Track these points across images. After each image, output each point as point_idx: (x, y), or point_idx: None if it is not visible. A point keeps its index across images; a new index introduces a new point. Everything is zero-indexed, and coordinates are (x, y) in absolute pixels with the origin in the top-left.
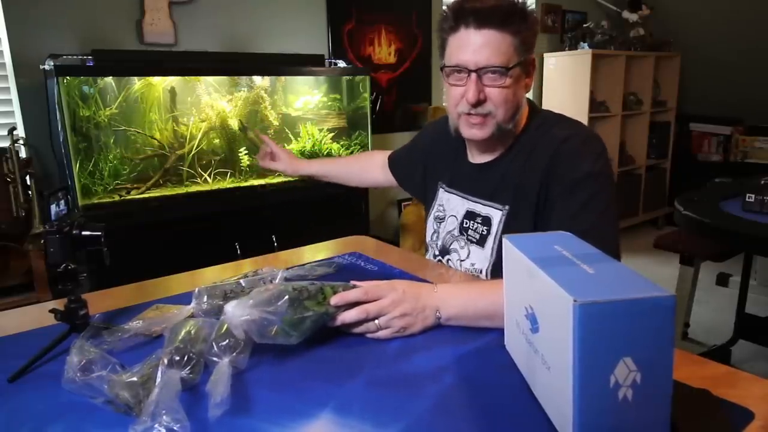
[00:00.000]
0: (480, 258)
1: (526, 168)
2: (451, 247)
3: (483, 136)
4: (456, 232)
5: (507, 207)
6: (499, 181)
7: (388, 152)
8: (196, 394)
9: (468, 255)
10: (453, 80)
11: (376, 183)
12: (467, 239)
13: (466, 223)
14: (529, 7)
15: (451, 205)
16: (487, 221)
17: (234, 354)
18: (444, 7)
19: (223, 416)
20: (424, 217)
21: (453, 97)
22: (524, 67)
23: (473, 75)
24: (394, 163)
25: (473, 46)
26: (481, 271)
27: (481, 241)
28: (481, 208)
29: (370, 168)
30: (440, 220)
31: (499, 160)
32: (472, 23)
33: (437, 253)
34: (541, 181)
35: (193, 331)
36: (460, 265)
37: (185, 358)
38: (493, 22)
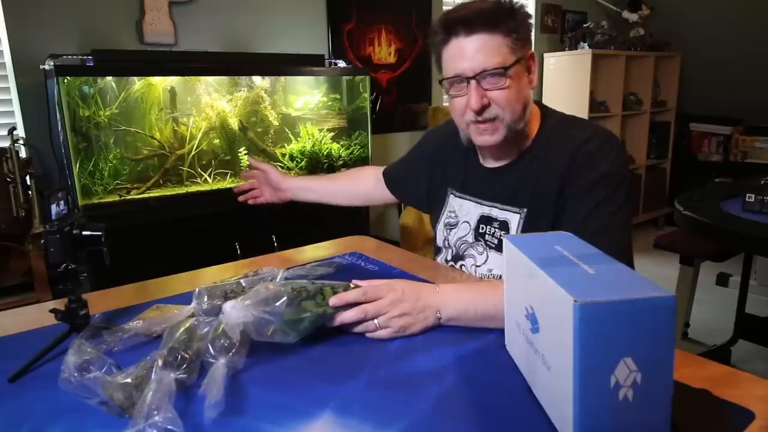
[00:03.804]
0: (499, 263)
1: (544, 170)
2: (465, 253)
3: (496, 141)
4: (470, 239)
5: (525, 210)
6: (516, 184)
7: (381, 168)
8: (193, 395)
9: (486, 260)
10: (454, 91)
11: (368, 199)
12: (486, 244)
13: (482, 228)
14: (517, 3)
15: (464, 210)
16: (504, 225)
17: (230, 354)
18: (433, 23)
19: (224, 416)
20: (431, 223)
21: (458, 109)
22: (524, 64)
23: (472, 82)
24: (391, 178)
25: (467, 53)
26: (499, 277)
27: (499, 247)
28: (498, 213)
29: (360, 183)
30: (451, 226)
31: (515, 163)
32: (461, 31)
33: (449, 258)
34: (560, 183)
35: (189, 332)
36: (475, 271)
37: (180, 359)
38: (481, 25)
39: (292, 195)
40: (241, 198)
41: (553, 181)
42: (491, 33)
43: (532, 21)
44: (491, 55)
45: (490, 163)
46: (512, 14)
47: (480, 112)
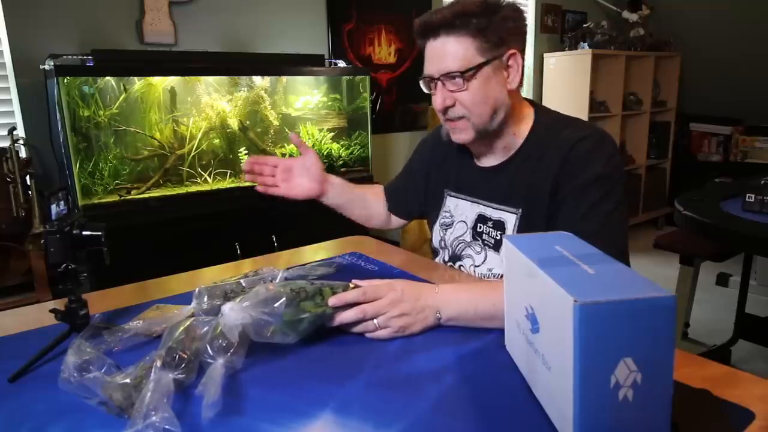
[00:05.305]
0: (497, 262)
1: (538, 170)
2: (463, 253)
3: (465, 139)
4: (468, 238)
5: (520, 210)
6: (510, 184)
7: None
8: (191, 395)
9: (485, 260)
10: (429, 90)
11: (381, 221)
12: (483, 243)
13: (480, 227)
14: (497, 2)
15: (459, 210)
16: (499, 225)
17: (229, 354)
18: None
19: (222, 416)
20: (427, 225)
21: (434, 106)
22: (496, 65)
23: (438, 83)
24: (390, 193)
25: (434, 55)
26: (500, 277)
27: (496, 246)
28: (493, 212)
29: (378, 201)
30: (447, 226)
31: (508, 163)
32: (430, 34)
33: (447, 259)
34: (554, 183)
35: (188, 332)
36: (474, 271)
37: (178, 359)
38: (448, 28)
39: (332, 190)
40: (248, 177)
41: (547, 181)
42: (456, 36)
43: (528, 18)
44: (453, 58)
45: (484, 162)
46: (484, 13)
47: (444, 111)
